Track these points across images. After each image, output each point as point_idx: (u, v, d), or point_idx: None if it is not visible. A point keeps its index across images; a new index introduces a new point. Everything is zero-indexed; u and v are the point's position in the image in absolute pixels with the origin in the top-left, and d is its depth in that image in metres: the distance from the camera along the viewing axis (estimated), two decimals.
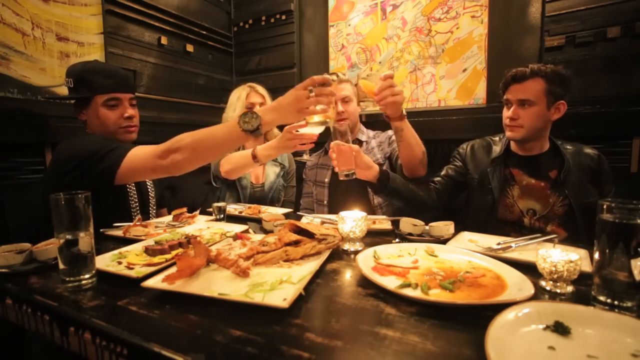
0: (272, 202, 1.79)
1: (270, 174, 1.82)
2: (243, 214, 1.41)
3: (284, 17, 2.64)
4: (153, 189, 1.46)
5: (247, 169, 1.53)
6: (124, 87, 1.25)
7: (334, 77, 1.64)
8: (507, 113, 1.29)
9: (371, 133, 1.76)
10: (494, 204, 1.33)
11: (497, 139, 1.46)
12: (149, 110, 2.22)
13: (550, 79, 1.21)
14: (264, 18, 2.71)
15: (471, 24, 2.07)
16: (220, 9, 2.77)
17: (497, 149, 1.41)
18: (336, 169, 1.20)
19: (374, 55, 2.39)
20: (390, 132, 1.66)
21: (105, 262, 0.80)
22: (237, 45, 2.88)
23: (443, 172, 1.49)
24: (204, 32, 2.59)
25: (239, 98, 1.79)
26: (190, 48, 2.50)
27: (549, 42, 1.82)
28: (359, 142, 1.69)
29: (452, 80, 2.15)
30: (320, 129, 1.21)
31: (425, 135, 2.06)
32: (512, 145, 1.39)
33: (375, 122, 2.22)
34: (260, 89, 1.83)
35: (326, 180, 1.70)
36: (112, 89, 1.22)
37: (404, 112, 1.27)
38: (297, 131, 1.25)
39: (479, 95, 2.08)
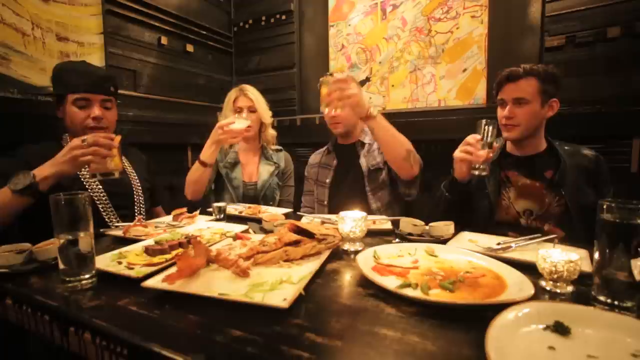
0: (266, 201, 1.78)
1: (263, 172, 1.82)
2: (243, 214, 1.41)
3: (284, 17, 2.65)
4: (139, 187, 1.43)
5: (204, 178, 1.56)
6: (95, 89, 1.25)
7: (330, 79, 1.61)
8: (502, 113, 1.30)
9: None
10: (491, 208, 1.33)
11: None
12: (149, 110, 2.22)
13: (543, 78, 1.24)
14: (264, 18, 2.71)
15: (471, 24, 2.07)
16: (220, 9, 2.78)
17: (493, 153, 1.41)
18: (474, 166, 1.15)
19: (374, 55, 2.40)
20: None
21: (105, 262, 0.80)
22: (237, 45, 2.88)
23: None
24: (204, 32, 2.59)
25: (228, 101, 1.79)
26: (190, 48, 2.50)
27: (549, 42, 1.82)
28: (362, 144, 1.67)
29: (452, 80, 2.15)
30: (246, 124, 1.46)
31: (425, 135, 2.08)
32: (508, 145, 1.39)
33: None
34: (252, 91, 1.78)
35: (327, 180, 1.68)
36: (83, 89, 1.23)
37: (372, 111, 1.28)
38: (228, 127, 1.43)
39: (479, 95, 2.08)
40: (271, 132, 1.88)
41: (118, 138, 1.09)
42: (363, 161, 1.60)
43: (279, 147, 1.94)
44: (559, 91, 1.27)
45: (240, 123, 1.44)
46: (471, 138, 1.16)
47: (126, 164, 1.44)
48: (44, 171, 1.02)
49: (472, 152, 1.14)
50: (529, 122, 1.26)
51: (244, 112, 1.74)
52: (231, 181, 1.75)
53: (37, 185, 0.99)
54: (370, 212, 1.58)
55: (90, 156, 1.03)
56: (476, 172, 1.14)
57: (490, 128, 1.14)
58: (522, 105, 1.25)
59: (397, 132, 1.36)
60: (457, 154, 1.18)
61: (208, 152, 1.52)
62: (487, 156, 1.13)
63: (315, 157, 1.84)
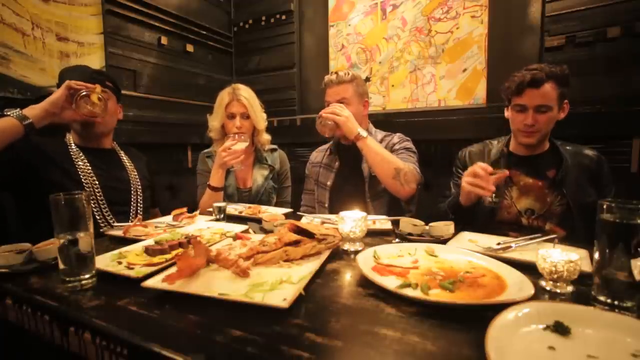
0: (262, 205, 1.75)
1: (257, 177, 1.76)
2: (243, 214, 1.41)
3: (284, 17, 2.65)
4: (139, 185, 1.43)
5: (217, 199, 1.56)
6: (89, 81, 1.27)
7: (333, 78, 1.58)
8: (523, 119, 1.25)
9: (379, 136, 1.65)
10: (492, 208, 1.33)
11: (495, 142, 1.45)
12: (149, 110, 2.22)
13: (561, 81, 1.22)
14: (264, 18, 2.71)
15: (471, 24, 2.07)
16: (220, 9, 2.78)
17: (494, 153, 1.41)
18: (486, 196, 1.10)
19: (374, 55, 2.40)
20: (395, 139, 1.59)
21: (105, 262, 0.80)
22: (237, 45, 2.88)
23: (454, 190, 1.47)
24: (204, 32, 2.60)
25: (220, 103, 1.70)
26: (190, 48, 2.50)
27: (549, 42, 1.82)
28: None
29: (452, 80, 2.15)
30: (244, 145, 1.52)
31: (425, 135, 2.08)
32: (512, 144, 1.38)
33: (375, 122, 2.21)
34: (245, 95, 1.67)
35: (329, 183, 1.65)
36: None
37: (362, 133, 1.40)
38: (231, 148, 1.49)
39: (479, 95, 2.08)
40: (266, 137, 1.78)
41: (98, 87, 1.22)
42: (365, 167, 1.56)
43: (274, 147, 1.87)
44: (569, 92, 1.26)
45: (240, 145, 1.51)
46: (479, 169, 1.08)
47: (127, 162, 1.46)
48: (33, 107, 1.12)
49: (483, 185, 1.07)
50: (548, 127, 1.25)
51: (237, 118, 1.67)
52: (225, 189, 1.68)
53: (22, 113, 1.09)
54: None
55: (70, 84, 1.16)
56: (488, 203, 1.10)
57: (502, 160, 1.12)
58: (544, 112, 1.22)
59: (387, 153, 1.41)
60: (466, 185, 1.11)
61: (216, 177, 1.55)
62: (499, 181, 1.08)
63: (317, 155, 1.80)
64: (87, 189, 1.26)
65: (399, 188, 1.39)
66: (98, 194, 1.29)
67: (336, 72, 1.58)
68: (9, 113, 1.08)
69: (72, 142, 1.32)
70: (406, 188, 1.39)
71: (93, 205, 1.27)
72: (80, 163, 1.28)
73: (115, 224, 1.25)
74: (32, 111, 1.10)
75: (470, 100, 2.11)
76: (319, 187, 1.70)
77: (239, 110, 1.67)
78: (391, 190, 1.42)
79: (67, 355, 0.61)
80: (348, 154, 1.64)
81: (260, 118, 1.73)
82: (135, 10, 2.11)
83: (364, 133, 1.41)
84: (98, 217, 1.27)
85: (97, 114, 1.22)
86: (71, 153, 1.29)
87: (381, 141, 1.62)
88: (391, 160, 1.39)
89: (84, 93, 1.17)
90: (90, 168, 1.29)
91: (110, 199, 1.31)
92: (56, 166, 1.23)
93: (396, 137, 1.61)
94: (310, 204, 1.77)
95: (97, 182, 1.29)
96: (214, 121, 1.73)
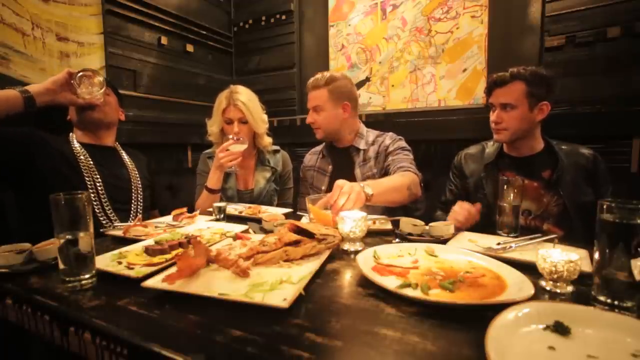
0: None
1: (259, 179, 1.74)
2: (243, 214, 1.41)
3: (284, 17, 2.65)
4: (139, 184, 1.44)
5: (213, 201, 1.50)
6: None
7: (309, 82, 1.55)
8: (491, 117, 1.34)
9: (371, 137, 1.61)
10: (488, 209, 1.33)
11: (490, 143, 1.47)
12: (149, 110, 2.22)
13: (531, 82, 1.24)
14: (264, 18, 2.71)
15: (471, 24, 2.07)
16: (220, 9, 2.78)
17: (490, 154, 1.43)
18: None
19: (374, 55, 2.40)
20: (388, 141, 1.56)
21: (105, 262, 0.80)
22: (237, 45, 2.88)
23: (449, 195, 1.51)
24: (204, 32, 2.60)
25: (218, 107, 1.66)
26: (190, 48, 2.50)
27: (549, 42, 1.83)
28: (356, 150, 1.59)
29: (452, 80, 2.15)
30: (243, 147, 1.49)
31: (425, 135, 2.08)
32: (505, 146, 1.40)
33: (375, 122, 2.21)
34: (243, 100, 1.60)
35: (323, 188, 1.64)
36: None
37: (367, 191, 1.14)
38: (228, 149, 1.47)
39: (479, 95, 2.08)
40: (267, 140, 1.73)
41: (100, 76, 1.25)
42: (358, 172, 1.55)
43: (277, 148, 1.85)
44: (550, 94, 1.27)
45: (237, 147, 1.48)
46: (461, 217, 1.17)
47: (128, 161, 1.47)
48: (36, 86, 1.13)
49: (467, 224, 1.16)
50: (516, 126, 1.27)
51: (235, 124, 1.62)
52: (225, 191, 1.66)
53: (23, 88, 1.09)
54: None
55: (69, 70, 1.16)
56: (505, 234, 1.08)
57: (513, 189, 1.06)
58: (509, 110, 1.27)
59: (392, 184, 1.29)
60: (461, 226, 1.15)
61: (214, 179, 1.54)
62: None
63: (310, 158, 1.79)
64: (89, 183, 1.27)
65: (414, 198, 1.39)
66: (99, 188, 1.30)
67: (315, 76, 1.55)
68: (9, 88, 1.08)
69: (74, 139, 1.34)
70: (418, 194, 1.39)
71: (93, 199, 1.28)
72: (82, 157, 1.30)
73: (117, 223, 1.25)
74: (33, 87, 1.11)
75: (470, 100, 2.11)
76: (313, 191, 1.70)
77: (236, 115, 1.61)
78: (408, 203, 1.41)
79: (67, 355, 0.61)
80: (340, 157, 1.63)
81: (260, 122, 1.66)
82: (135, 10, 2.11)
83: (369, 190, 1.15)
84: (98, 213, 1.27)
85: (97, 93, 1.22)
86: (73, 149, 1.30)
87: (373, 142, 1.60)
88: (399, 186, 1.30)
89: (82, 73, 1.17)
90: (92, 163, 1.31)
91: (112, 196, 1.32)
92: (59, 157, 1.25)
93: (388, 138, 1.58)
94: (306, 207, 1.76)
95: (98, 177, 1.30)
96: (212, 126, 1.69)
